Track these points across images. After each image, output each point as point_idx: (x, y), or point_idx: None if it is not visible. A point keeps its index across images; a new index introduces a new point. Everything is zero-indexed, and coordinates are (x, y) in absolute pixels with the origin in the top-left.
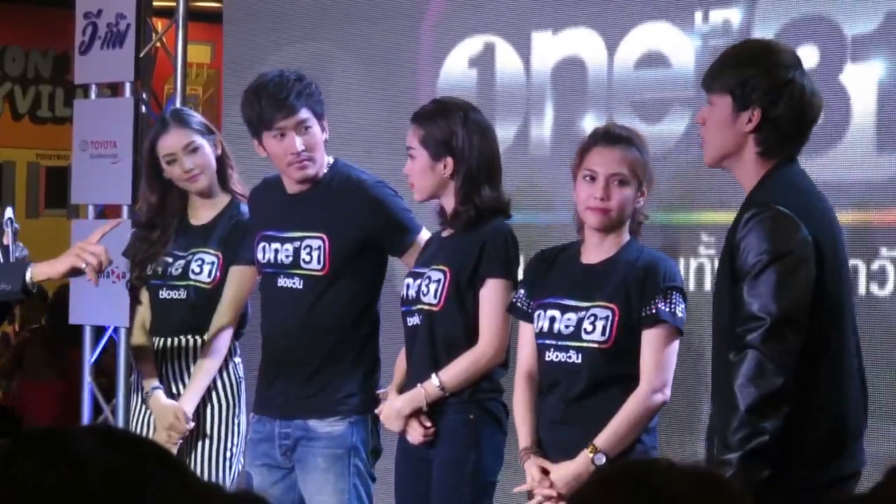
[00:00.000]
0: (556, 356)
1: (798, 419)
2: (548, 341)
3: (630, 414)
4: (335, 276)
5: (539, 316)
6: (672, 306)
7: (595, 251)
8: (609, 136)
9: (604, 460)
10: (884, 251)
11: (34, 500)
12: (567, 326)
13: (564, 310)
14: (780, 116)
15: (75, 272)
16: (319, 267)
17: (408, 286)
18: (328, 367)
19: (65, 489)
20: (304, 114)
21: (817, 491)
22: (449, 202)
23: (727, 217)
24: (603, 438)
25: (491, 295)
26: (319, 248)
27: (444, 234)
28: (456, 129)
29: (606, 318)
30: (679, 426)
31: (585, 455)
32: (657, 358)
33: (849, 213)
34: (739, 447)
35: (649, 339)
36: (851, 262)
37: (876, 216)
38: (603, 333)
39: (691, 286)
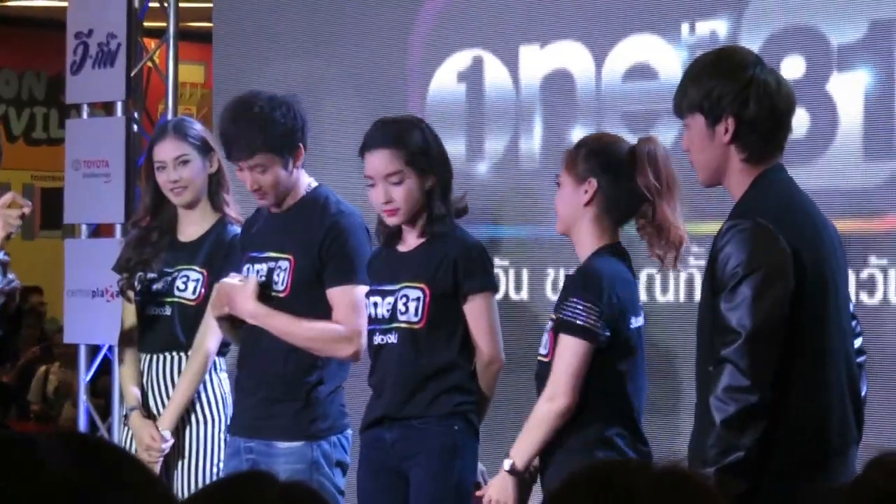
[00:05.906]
0: None
1: (772, 434)
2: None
3: (531, 421)
4: (295, 298)
5: None
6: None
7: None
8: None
9: (508, 465)
10: (872, 259)
11: None
12: None
13: None
14: (754, 116)
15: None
16: (283, 289)
17: (376, 305)
18: (289, 391)
19: (15, 495)
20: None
21: None
22: (417, 216)
23: (716, 228)
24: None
25: (478, 308)
26: (286, 269)
27: (402, 248)
28: (429, 141)
29: None
30: (662, 438)
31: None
32: (556, 365)
33: (837, 222)
34: (715, 462)
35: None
36: None
37: (864, 224)
38: None
39: (680, 297)
